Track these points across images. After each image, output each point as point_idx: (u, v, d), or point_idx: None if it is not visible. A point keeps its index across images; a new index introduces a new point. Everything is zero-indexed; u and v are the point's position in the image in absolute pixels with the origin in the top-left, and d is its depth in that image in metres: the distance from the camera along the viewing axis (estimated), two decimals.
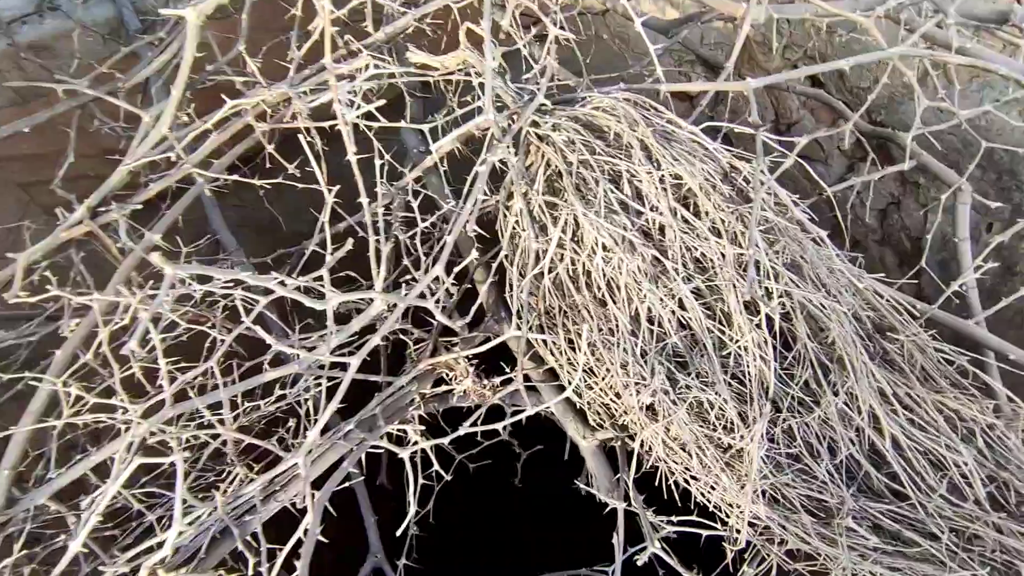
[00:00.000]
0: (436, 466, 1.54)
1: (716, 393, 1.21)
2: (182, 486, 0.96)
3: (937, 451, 1.12)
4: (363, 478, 1.92)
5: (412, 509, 1.67)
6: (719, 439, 1.22)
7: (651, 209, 1.30)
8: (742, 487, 1.18)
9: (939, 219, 1.67)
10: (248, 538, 1.24)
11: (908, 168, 1.74)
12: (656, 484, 1.48)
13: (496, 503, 2.90)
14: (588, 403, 1.54)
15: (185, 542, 1.18)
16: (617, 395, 1.38)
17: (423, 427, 1.81)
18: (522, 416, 1.32)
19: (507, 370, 1.57)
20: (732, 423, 1.20)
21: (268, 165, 1.54)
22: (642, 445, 1.38)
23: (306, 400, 1.49)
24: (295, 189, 1.61)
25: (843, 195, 2.06)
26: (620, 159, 1.32)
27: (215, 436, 1.35)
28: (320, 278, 1.31)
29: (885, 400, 1.14)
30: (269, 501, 1.28)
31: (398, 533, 1.48)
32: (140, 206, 1.46)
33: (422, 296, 1.32)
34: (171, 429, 1.23)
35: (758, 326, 1.19)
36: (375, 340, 1.25)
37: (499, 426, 1.25)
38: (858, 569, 1.09)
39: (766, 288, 1.20)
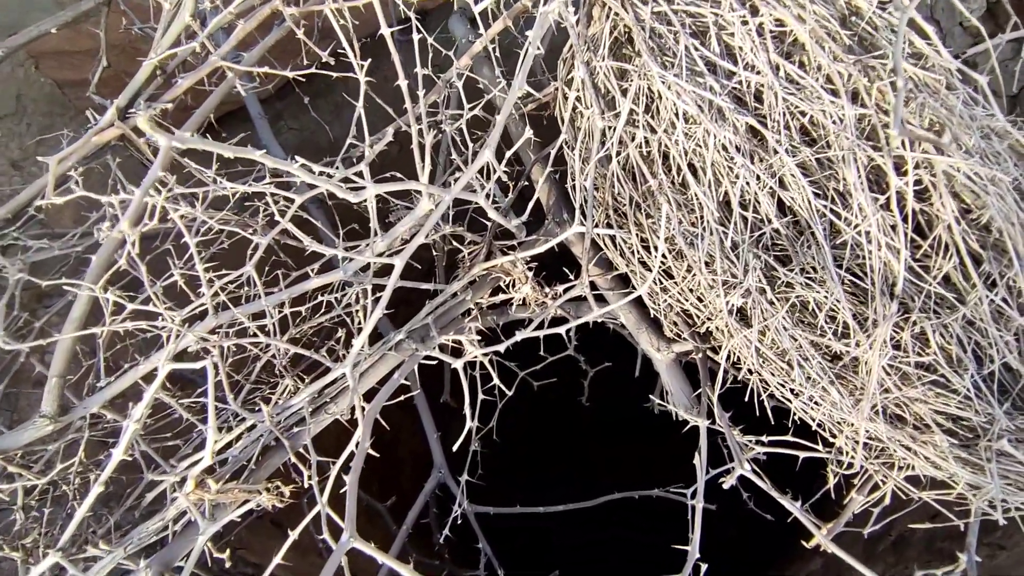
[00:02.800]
0: (496, 379, 1.42)
1: (826, 291, 0.99)
2: (213, 394, 0.88)
3: None
4: (417, 392, 1.85)
5: (468, 424, 1.58)
6: (828, 347, 1.01)
7: (746, 67, 1.04)
8: (856, 403, 0.98)
9: None
10: (301, 450, 1.18)
11: None
12: (744, 401, 1.30)
13: (564, 422, 2.83)
14: (664, 311, 1.35)
15: (235, 453, 1.13)
16: (700, 299, 1.18)
17: (480, 339, 1.69)
18: (584, 320, 1.16)
19: (572, 277, 1.41)
20: (846, 327, 0.99)
21: (314, 83, 1.38)
22: (729, 357, 1.19)
23: (357, 310, 1.40)
24: (355, 109, 1.47)
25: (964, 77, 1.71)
26: (705, 8, 1.06)
27: (263, 346, 1.28)
28: (360, 173, 1.17)
29: None
30: (319, 413, 1.21)
31: (454, 448, 1.40)
32: (170, 105, 1.35)
33: (471, 189, 1.15)
34: (214, 338, 1.16)
35: (885, 206, 0.95)
36: (418, 239, 1.11)
37: (560, 330, 1.09)
38: (1011, 501, 0.89)
39: (897, 157, 0.95)
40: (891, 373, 0.96)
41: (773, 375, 1.07)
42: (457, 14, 1.74)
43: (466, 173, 1.11)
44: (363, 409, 1.12)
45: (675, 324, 1.36)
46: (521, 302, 1.43)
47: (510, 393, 1.53)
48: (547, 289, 1.46)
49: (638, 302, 1.48)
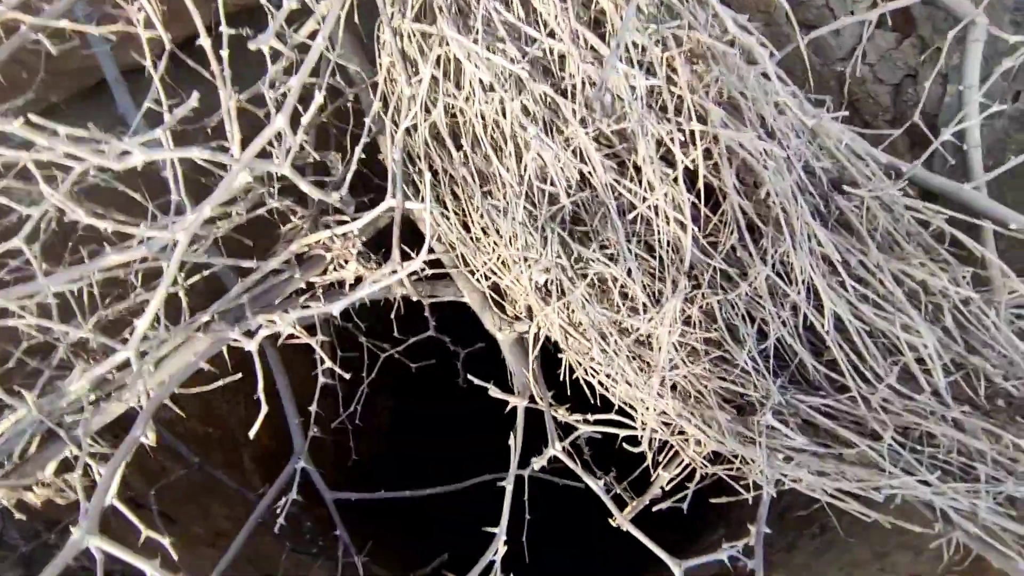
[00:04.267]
0: (329, 362, 1.35)
1: (622, 266, 0.97)
2: None
3: (891, 333, 0.88)
4: (277, 372, 1.77)
5: (296, 415, 1.52)
6: (624, 323, 0.99)
7: (549, 35, 1.00)
8: (649, 379, 0.97)
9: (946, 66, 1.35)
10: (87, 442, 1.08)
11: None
12: (573, 379, 1.29)
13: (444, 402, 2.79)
14: (503, 291, 1.32)
15: None
16: (517, 279, 1.15)
17: (334, 322, 1.62)
18: (390, 297, 1.11)
19: (413, 255, 1.36)
20: (642, 304, 0.97)
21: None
22: (542, 334, 1.17)
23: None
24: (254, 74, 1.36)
25: (853, 70, 1.77)
26: None
27: (47, 331, 1.17)
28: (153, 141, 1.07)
29: (833, 271, 0.89)
30: (108, 402, 1.11)
31: (294, 430, 1.33)
32: None
33: (266, 155, 1.07)
34: None
35: (675, 180, 0.93)
36: (204, 211, 1.02)
37: (362, 292, 1.03)
38: (778, 473, 0.89)
39: (687, 132, 0.93)
40: (680, 349, 0.95)
41: (577, 352, 1.05)
42: None
43: (259, 138, 1.02)
44: (148, 396, 1.03)
45: (514, 304, 1.33)
46: (355, 281, 1.37)
47: (345, 374, 1.47)
48: (382, 267, 1.40)
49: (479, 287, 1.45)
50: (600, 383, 1.04)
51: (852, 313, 0.87)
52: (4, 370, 1.22)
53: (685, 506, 1.13)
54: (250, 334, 1.12)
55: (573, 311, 1.05)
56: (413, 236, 1.47)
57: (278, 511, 1.74)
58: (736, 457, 0.98)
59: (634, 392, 0.98)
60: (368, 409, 1.96)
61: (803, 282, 0.87)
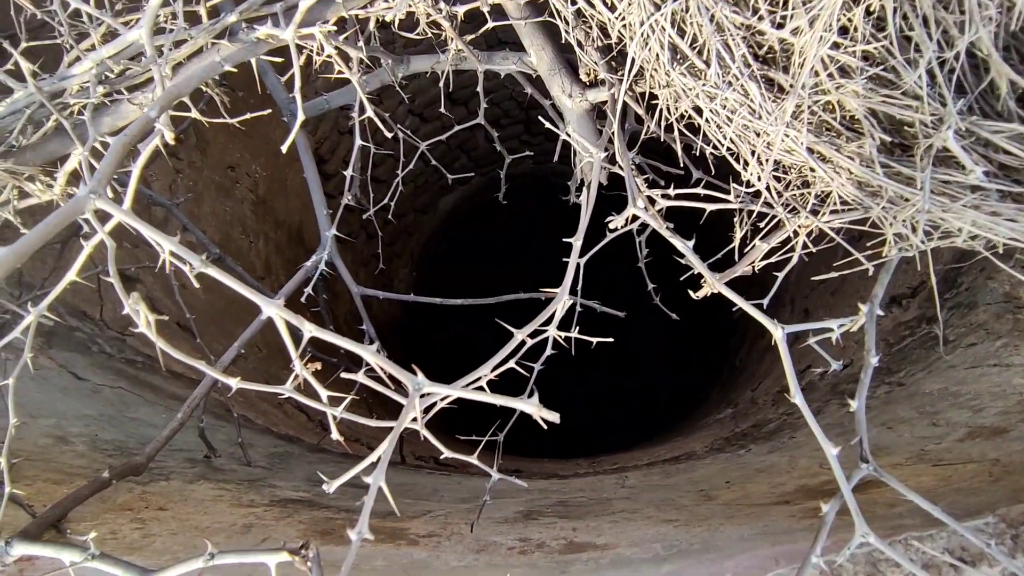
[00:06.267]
0: (370, 111, 1.17)
1: None
2: None
3: None
4: (305, 158, 1.61)
5: (349, 174, 1.37)
6: (758, 32, 0.78)
7: None
8: (780, 106, 0.77)
9: None
10: (96, 144, 0.93)
11: None
12: (662, 144, 1.10)
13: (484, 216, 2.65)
14: (579, 40, 1.10)
15: None
16: (613, 6, 0.92)
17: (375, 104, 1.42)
18: (497, 69, 0.90)
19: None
20: (785, 3, 0.75)
21: None
22: (639, 83, 0.96)
23: None
24: None
25: None
26: None
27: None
28: None
29: None
30: (119, 101, 0.95)
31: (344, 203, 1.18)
32: None
33: None
34: None
35: None
36: None
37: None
38: (938, 216, 0.72)
39: None
40: (828, 65, 0.74)
41: (684, 77, 0.84)
42: None
43: None
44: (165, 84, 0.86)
45: (595, 63, 1.12)
46: (414, 26, 1.15)
47: (390, 135, 1.29)
48: (440, 4, 1.18)
49: (552, 36, 1.23)
50: (707, 120, 0.85)
51: None
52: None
53: (757, 266, 0.98)
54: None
55: (685, 26, 0.83)
56: None
57: (301, 299, 1.65)
58: (865, 221, 0.80)
59: (755, 125, 0.79)
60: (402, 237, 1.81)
61: None
